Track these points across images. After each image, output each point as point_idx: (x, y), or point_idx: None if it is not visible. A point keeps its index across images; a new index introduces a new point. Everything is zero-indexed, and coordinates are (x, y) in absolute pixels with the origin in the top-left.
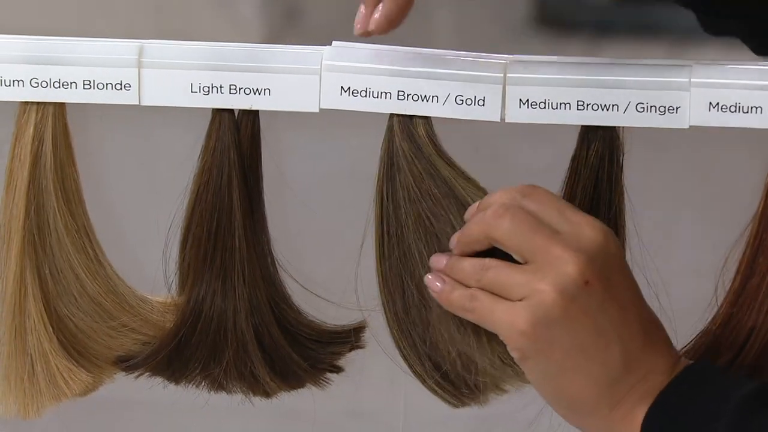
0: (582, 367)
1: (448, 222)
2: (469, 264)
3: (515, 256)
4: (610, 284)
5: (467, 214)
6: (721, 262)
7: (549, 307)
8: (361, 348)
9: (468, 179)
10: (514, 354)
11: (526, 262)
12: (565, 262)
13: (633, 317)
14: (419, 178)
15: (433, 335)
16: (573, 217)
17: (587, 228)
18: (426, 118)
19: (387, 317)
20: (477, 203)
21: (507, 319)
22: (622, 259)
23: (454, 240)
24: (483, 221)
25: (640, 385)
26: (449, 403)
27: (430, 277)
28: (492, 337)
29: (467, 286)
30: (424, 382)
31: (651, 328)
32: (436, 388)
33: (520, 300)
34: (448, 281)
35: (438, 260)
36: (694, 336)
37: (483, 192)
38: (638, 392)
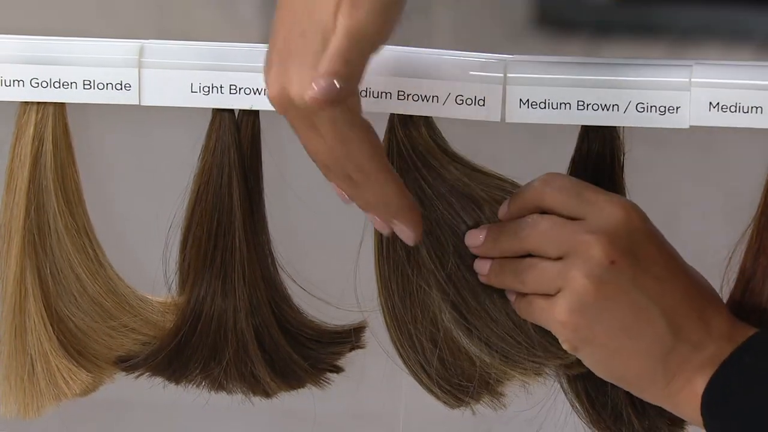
0: (628, 346)
1: (448, 220)
2: (510, 269)
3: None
4: (638, 259)
5: (500, 213)
6: (723, 263)
7: (581, 294)
8: (361, 348)
9: (480, 171)
10: (565, 346)
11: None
12: (589, 246)
13: (672, 286)
14: (418, 177)
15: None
16: (592, 198)
17: (607, 206)
18: (427, 117)
19: (385, 317)
20: (507, 203)
21: (548, 315)
22: (648, 231)
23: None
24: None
25: (697, 355)
26: (446, 403)
27: (478, 262)
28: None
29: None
30: (421, 382)
31: (696, 294)
32: (433, 389)
33: (557, 293)
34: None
35: (474, 237)
36: None
37: (500, 180)
38: (696, 362)
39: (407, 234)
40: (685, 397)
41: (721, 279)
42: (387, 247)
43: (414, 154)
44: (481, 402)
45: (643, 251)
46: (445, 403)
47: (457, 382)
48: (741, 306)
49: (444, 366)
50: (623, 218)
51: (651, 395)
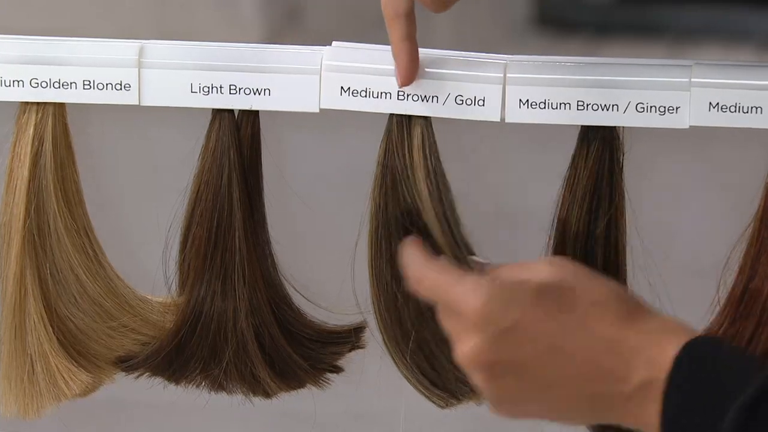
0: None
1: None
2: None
3: None
4: (505, 342)
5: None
6: (722, 263)
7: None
8: (361, 348)
9: (433, 198)
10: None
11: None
12: (463, 345)
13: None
14: (408, 180)
15: (420, 336)
16: (449, 294)
17: (463, 300)
18: (426, 119)
19: (377, 317)
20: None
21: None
22: (510, 300)
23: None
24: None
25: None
26: (436, 403)
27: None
28: None
29: None
30: (409, 381)
31: (596, 351)
32: (422, 389)
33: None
34: None
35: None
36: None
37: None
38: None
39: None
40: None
41: (720, 279)
42: (379, 247)
43: (405, 159)
44: (470, 401)
45: (512, 331)
46: (434, 402)
47: (446, 381)
48: (741, 306)
49: (432, 365)
50: (482, 306)
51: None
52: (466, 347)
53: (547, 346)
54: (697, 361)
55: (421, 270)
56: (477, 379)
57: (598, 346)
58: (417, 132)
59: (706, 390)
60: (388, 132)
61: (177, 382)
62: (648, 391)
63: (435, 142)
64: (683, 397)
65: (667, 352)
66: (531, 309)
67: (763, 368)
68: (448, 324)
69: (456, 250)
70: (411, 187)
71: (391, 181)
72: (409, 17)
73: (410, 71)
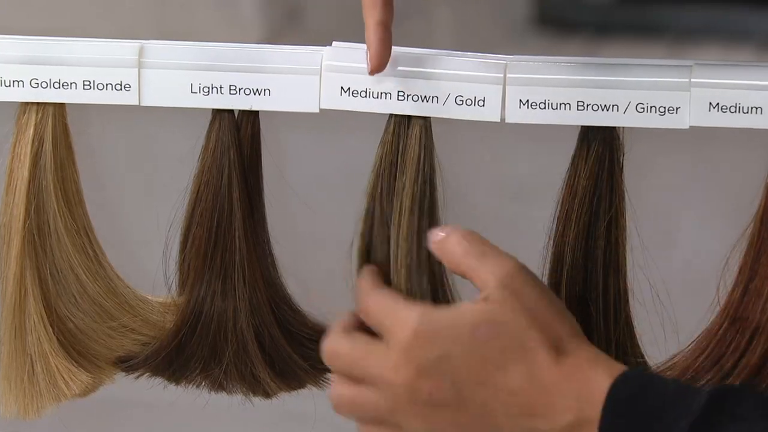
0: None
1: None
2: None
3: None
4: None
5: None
6: (722, 263)
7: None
8: None
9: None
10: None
11: None
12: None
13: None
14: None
15: None
16: (386, 319)
17: (398, 326)
18: (425, 119)
19: None
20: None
21: None
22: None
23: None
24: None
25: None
26: None
27: None
28: None
29: None
30: None
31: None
32: None
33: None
34: None
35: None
36: (696, 337)
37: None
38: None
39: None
40: None
41: (720, 279)
42: (368, 250)
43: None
44: None
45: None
46: None
47: None
48: (741, 306)
49: None
50: (398, 363)
51: None
52: (398, 378)
53: (480, 378)
54: (630, 397)
55: (367, 296)
56: (409, 413)
57: (526, 384)
58: (415, 132)
59: (640, 425)
60: (386, 132)
61: (177, 382)
62: (582, 426)
63: (432, 143)
64: (619, 429)
65: (597, 389)
66: (461, 341)
67: (695, 398)
68: (380, 360)
69: (415, 272)
70: (399, 188)
71: (387, 183)
72: (387, 4)
73: (382, 57)
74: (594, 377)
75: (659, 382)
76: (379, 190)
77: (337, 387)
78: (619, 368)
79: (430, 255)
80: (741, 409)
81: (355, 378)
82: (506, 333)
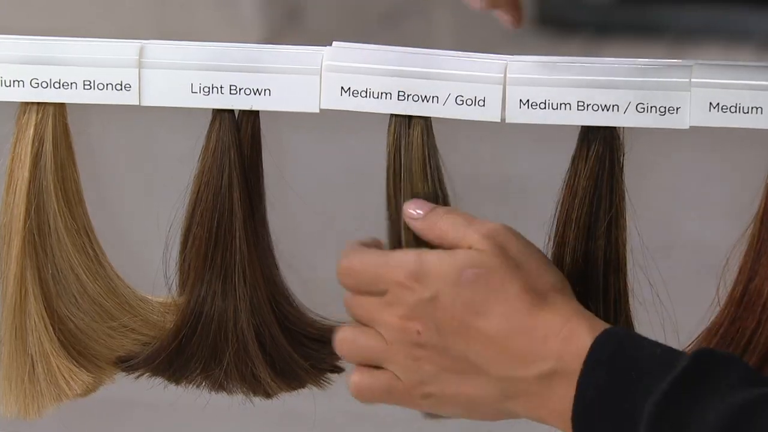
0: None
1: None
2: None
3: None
4: (435, 333)
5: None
6: (722, 263)
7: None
8: None
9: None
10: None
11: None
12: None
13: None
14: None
15: None
16: (377, 270)
17: (391, 271)
18: (426, 119)
19: None
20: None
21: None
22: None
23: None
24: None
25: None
26: None
27: None
28: None
29: None
30: None
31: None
32: None
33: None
34: None
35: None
36: (696, 337)
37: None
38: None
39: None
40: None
41: (720, 279)
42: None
43: (406, 157)
44: None
45: (434, 322)
46: None
47: None
48: (741, 306)
49: None
50: (401, 323)
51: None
52: (392, 317)
53: (462, 323)
54: (612, 353)
55: (351, 257)
56: (400, 353)
57: (504, 329)
58: (417, 133)
59: (621, 379)
60: (388, 134)
61: (177, 382)
62: (562, 376)
63: (435, 142)
64: (599, 380)
65: (580, 341)
66: (451, 284)
67: (679, 358)
68: (378, 302)
69: None
70: (408, 189)
71: (393, 182)
72: None
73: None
74: (577, 330)
75: (643, 341)
76: (393, 192)
77: (341, 331)
78: (603, 325)
79: None
80: (721, 373)
81: (371, 290)
82: (490, 277)
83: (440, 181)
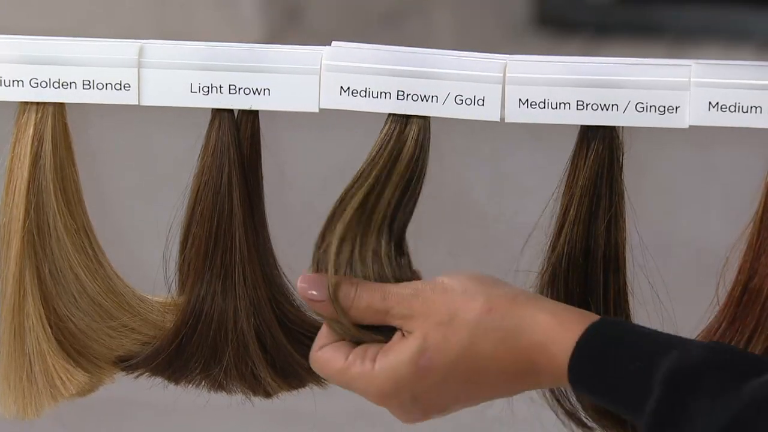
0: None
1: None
2: None
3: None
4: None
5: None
6: (722, 263)
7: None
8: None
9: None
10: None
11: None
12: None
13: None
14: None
15: None
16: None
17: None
18: (424, 118)
19: None
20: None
21: None
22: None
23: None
24: None
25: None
26: None
27: None
28: None
29: None
30: None
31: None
32: None
33: None
34: None
35: None
36: (696, 337)
37: None
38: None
39: None
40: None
41: (720, 279)
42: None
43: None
44: None
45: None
46: None
47: None
48: (741, 306)
49: None
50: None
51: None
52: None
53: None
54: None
55: (316, 360)
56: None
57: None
58: (413, 131)
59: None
60: (383, 131)
61: (177, 381)
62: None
63: (429, 142)
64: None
65: (572, 327)
66: (418, 380)
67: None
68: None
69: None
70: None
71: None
72: None
73: None
74: (567, 322)
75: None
76: (364, 178)
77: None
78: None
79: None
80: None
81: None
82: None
83: (419, 179)
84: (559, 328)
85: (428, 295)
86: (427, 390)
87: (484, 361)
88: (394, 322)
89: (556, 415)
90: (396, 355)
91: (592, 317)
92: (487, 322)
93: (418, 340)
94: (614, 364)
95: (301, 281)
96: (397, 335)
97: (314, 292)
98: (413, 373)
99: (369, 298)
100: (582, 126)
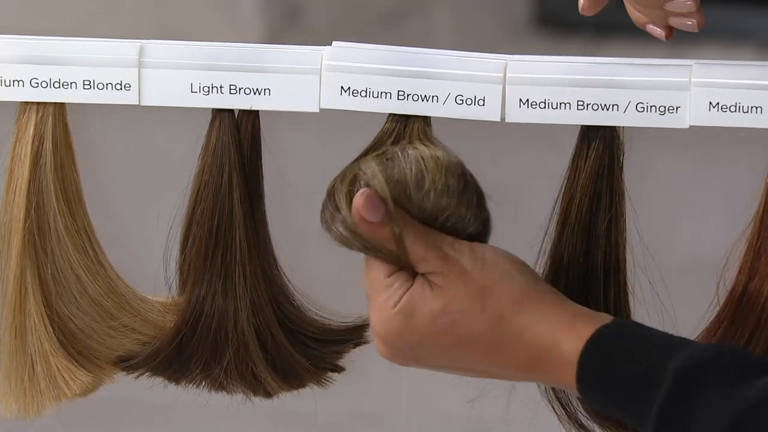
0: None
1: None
2: None
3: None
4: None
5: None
6: (722, 263)
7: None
8: (365, 343)
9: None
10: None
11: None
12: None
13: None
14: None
15: None
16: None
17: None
18: (425, 118)
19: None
20: None
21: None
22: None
23: None
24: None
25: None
26: None
27: None
28: None
29: None
30: None
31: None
32: None
33: None
34: None
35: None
36: (695, 337)
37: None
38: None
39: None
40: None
41: (720, 279)
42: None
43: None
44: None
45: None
46: None
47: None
48: (741, 306)
49: None
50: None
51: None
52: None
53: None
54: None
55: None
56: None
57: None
58: (413, 130)
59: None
60: (383, 131)
61: (177, 381)
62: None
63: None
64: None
65: (585, 327)
66: (428, 336)
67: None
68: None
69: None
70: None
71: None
72: None
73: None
74: (580, 323)
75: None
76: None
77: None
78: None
79: None
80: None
81: None
82: (463, 323)
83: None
84: (574, 328)
85: (467, 266)
86: (430, 348)
87: (495, 347)
88: (426, 271)
89: (557, 416)
90: (418, 306)
91: (605, 318)
92: (513, 313)
93: (444, 300)
94: (622, 363)
95: (360, 200)
96: (422, 281)
97: (371, 214)
98: (426, 329)
99: (411, 244)
100: (582, 126)
